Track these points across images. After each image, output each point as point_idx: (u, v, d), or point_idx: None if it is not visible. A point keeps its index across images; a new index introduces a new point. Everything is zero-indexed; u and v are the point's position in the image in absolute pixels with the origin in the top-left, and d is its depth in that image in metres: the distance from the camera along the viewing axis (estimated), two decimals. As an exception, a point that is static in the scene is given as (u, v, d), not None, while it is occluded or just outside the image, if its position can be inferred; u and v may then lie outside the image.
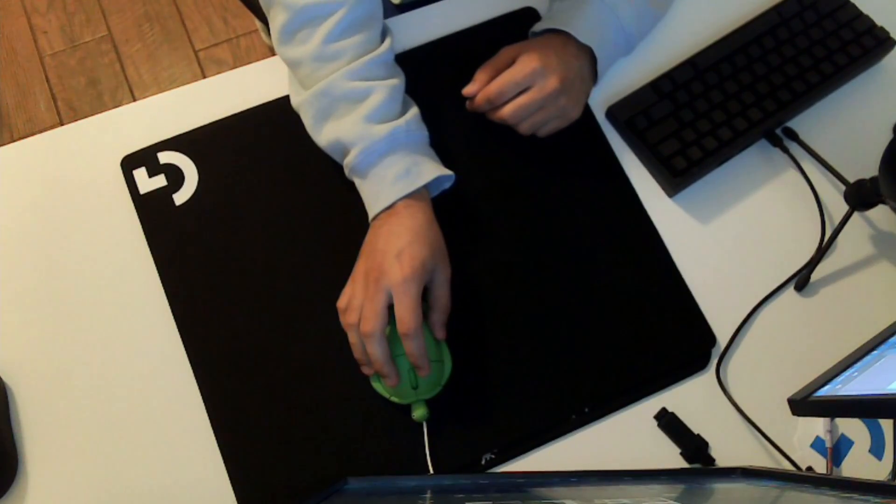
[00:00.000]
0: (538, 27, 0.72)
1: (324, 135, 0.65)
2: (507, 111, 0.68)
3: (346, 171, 0.66)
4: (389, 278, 0.59)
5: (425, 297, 0.62)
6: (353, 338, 0.61)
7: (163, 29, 1.72)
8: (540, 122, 0.69)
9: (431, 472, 0.62)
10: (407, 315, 0.59)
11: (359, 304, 0.60)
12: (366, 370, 0.63)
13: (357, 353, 0.62)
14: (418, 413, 0.62)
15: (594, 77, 0.72)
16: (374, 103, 0.63)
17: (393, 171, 0.63)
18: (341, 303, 0.62)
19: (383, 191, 0.63)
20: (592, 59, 0.71)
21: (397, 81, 0.66)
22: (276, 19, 0.65)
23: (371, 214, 0.64)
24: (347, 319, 0.61)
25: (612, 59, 0.73)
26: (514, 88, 0.68)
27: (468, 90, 0.70)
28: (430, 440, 0.63)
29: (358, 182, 0.66)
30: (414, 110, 0.66)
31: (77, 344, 0.65)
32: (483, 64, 0.70)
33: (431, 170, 0.64)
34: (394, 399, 0.63)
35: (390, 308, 0.60)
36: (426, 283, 0.61)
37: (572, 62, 0.69)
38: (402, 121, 0.64)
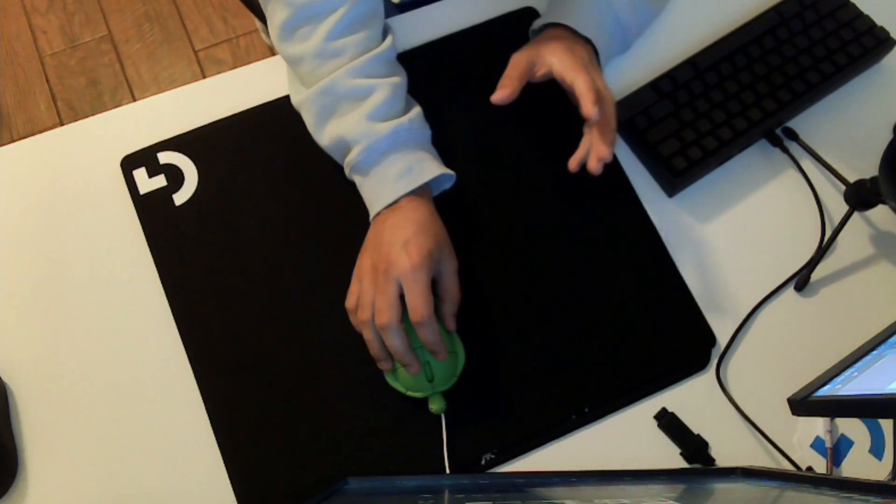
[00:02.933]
0: (537, 24, 0.72)
1: (326, 133, 0.65)
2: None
3: (347, 171, 0.66)
4: (398, 268, 0.59)
5: (435, 290, 0.62)
6: (368, 335, 0.60)
7: (163, 29, 1.72)
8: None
9: (447, 466, 0.62)
10: (419, 303, 0.58)
11: (369, 300, 0.60)
12: (383, 365, 0.62)
13: (374, 349, 0.61)
14: (436, 406, 0.62)
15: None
16: (376, 101, 0.63)
17: (395, 168, 0.63)
18: (349, 303, 0.62)
19: (385, 188, 0.63)
20: (593, 52, 0.71)
21: (399, 79, 0.66)
22: (276, 16, 0.65)
23: (372, 212, 0.64)
24: (360, 317, 0.60)
25: (609, 53, 0.73)
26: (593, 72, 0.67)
27: (498, 97, 0.66)
28: (448, 433, 0.63)
29: (359, 181, 0.66)
30: (417, 109, 0.66)
31: (77, 344, 0.65)
32: (504, 75, 0.68)
33: (434, 168, 0.64)
34: (410, 394, 0.62)
35: (401, 299, 0.59)
36: (434, 274, 0.61)
37: (587, 47, 0.69)
38: (404, 119, 0.64)
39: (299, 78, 0.67)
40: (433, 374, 0.62)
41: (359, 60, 0.64)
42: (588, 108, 0.63)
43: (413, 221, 0.61)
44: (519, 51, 0.70)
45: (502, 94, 0.66)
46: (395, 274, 0.59)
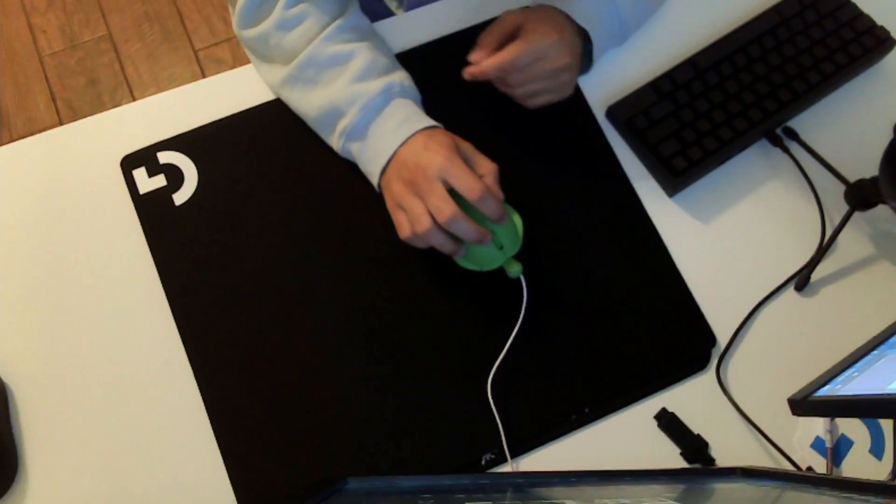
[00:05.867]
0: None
1: (314, 103, 0.66)
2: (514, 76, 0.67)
3: (342, 142, 0.66)
4: (435, 166, 0.60)
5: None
6: (437, 239, 0.61)
7: (162, 29, 1.72)
8: (536, 90, 0.68)
9: (520, 324, 0.64)
10: (471, 182, 0.60)
11: (422, 209, 0.61)
12: (459, 255, 0.64)
13: (449, 248, 0.62)
14: (514, 269, 0.64)
15: (588, 62, 0.72)
16: (359, 64, 0.65)
17: (393, 121, 0.64)
18: (404, 233, 0.62)
19: (385, 140, 0.64)
20: (585, 43, 0.71)
21: (377, 42, 0.68)
22: (236, 4, 0.68)
23: (377, 169, 0.64)
24: (420, 230, 0.61)
25: (605, 46, 0.73)
26: (532, 60, 0.66)
27: (475, 56, 0.68)
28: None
29: (357, 148, 0.66)
30: (406, 74, 0.68)
31: (77, 344, 0.65)
32: (486, 29, 0.69)
33: (429, 120, 0.65)
34: (487, 269, 0.65)
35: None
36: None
37: (576, 40, 0.69)
38: (395, 77, 0.66)
39: (270, 57, 0.68)
40: (501, 241, 0.64)
41: (330, 29, 0.65)
42: (475, 55, 0.67)
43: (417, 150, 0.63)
44: (511, 11, 0.69)
45: (478, 55, 0.67)
46: (434, 173, 0.60)
